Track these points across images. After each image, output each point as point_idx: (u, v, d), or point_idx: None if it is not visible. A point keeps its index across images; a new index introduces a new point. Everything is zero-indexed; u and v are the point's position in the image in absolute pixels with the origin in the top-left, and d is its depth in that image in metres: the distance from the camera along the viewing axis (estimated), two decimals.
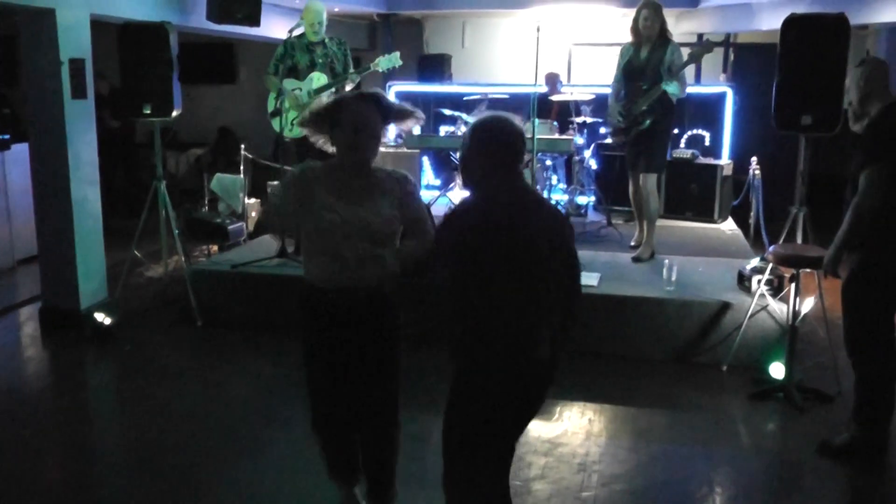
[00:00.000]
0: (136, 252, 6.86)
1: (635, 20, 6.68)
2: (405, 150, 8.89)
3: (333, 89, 6.73)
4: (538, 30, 6.86)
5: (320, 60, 6.84)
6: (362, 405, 3.56)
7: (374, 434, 3.63)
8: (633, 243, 7.34)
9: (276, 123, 6.93)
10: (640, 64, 6.68)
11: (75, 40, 6.14)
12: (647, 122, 6.63)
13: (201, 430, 4.86)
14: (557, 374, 3.06)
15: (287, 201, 3.36)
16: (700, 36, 10.95)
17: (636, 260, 6.89)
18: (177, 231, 6.95)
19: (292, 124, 6.71)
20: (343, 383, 3.52)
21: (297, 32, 6.87)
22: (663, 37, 6.65)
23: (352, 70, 6.91)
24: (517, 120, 3.07)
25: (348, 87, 6.83)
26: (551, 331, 2.98)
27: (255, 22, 7.57)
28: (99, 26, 6.51)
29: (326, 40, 6.90)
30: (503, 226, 2.93)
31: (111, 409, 5.56)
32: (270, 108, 7.02)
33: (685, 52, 6.73)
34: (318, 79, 6.77)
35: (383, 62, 6.70)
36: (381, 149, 10.34)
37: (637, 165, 6.87)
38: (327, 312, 3.40)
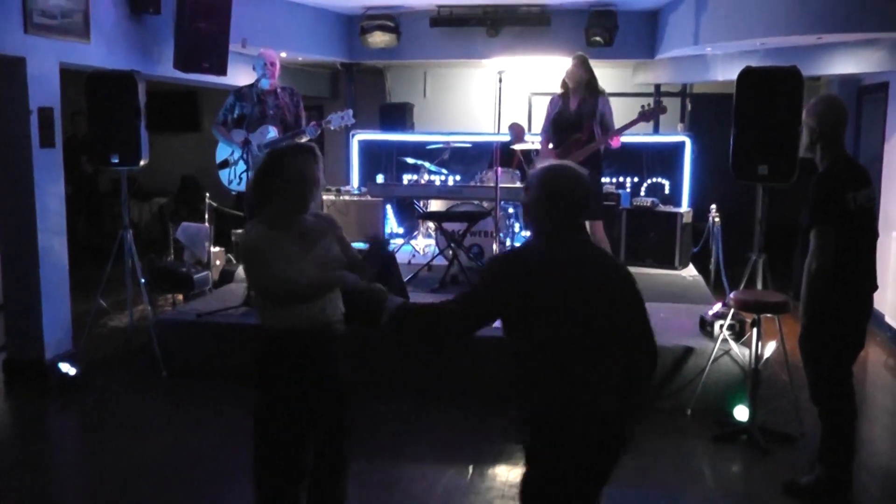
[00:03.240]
0: (101, 301, 6.82)
1: (567, 72, 6.94)
2: (369, 198, 8.95)
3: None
4: (500, 80, 6.96)
5: (271, 112, 6.77)
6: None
7: (331, 478, 3.60)
8: None
9: (223, 176, 6.97)
10: (570, 115, 6.85)
11: (45, 89, 6.14)
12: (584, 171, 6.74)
13: (166, 482, 4.82)
14: (629, 431, 3.07)
15: None
16: (657, 87, 11.20)
17: None
18: (142, 280, 6.93)
19: (240, 178, 6.65)
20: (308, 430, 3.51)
21: (249, 81, 6.92)
22: (592, 89, 6.85)
23: (304, 122, 6.85)
24: (581, 170, 3.14)
25: (304, 139, 6.88)
26: (615, 384, 2.98)
27: (222, 71, 7.62)
28: (71, 74, 6.52)
29: (279, 90, 6.85)
30: (569, 273, 2.95)
31: (75, 460, 5.48)
32: (219, 158, 7.01)
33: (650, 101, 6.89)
34: (272, 132, 6.71)
35: (335, 120, 6.66)
36: (345, 197, 10.29)
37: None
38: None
